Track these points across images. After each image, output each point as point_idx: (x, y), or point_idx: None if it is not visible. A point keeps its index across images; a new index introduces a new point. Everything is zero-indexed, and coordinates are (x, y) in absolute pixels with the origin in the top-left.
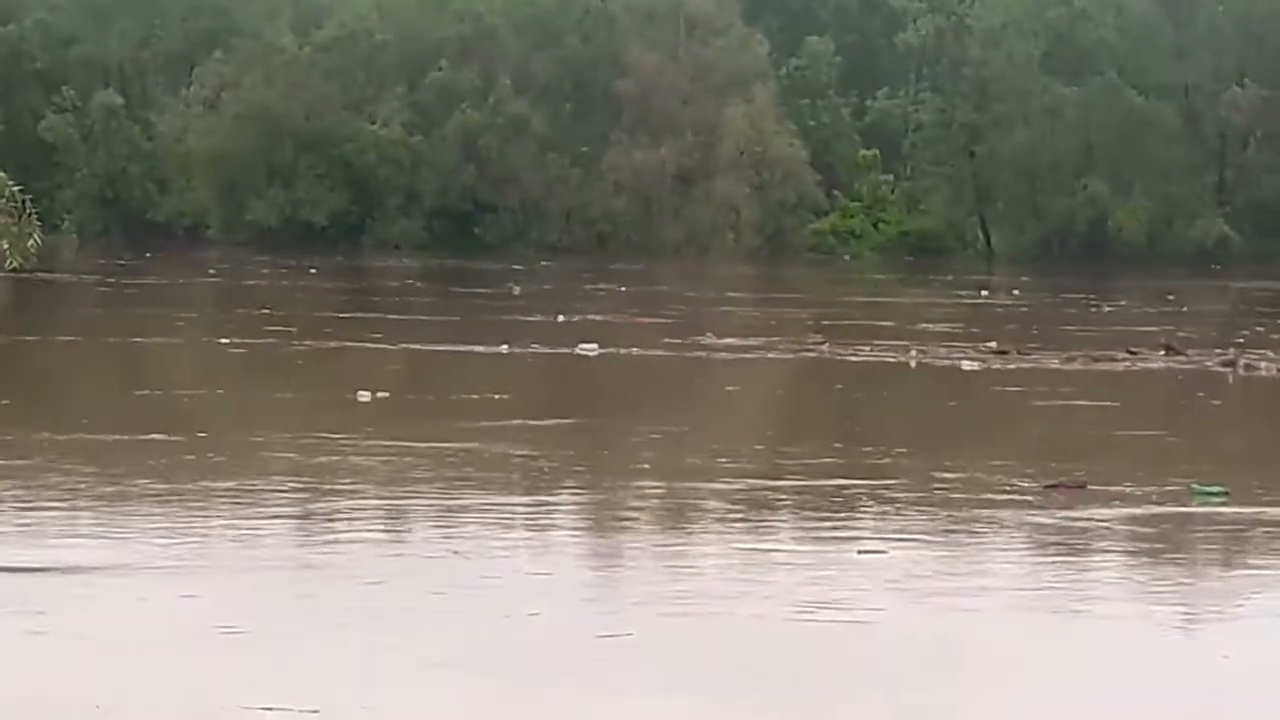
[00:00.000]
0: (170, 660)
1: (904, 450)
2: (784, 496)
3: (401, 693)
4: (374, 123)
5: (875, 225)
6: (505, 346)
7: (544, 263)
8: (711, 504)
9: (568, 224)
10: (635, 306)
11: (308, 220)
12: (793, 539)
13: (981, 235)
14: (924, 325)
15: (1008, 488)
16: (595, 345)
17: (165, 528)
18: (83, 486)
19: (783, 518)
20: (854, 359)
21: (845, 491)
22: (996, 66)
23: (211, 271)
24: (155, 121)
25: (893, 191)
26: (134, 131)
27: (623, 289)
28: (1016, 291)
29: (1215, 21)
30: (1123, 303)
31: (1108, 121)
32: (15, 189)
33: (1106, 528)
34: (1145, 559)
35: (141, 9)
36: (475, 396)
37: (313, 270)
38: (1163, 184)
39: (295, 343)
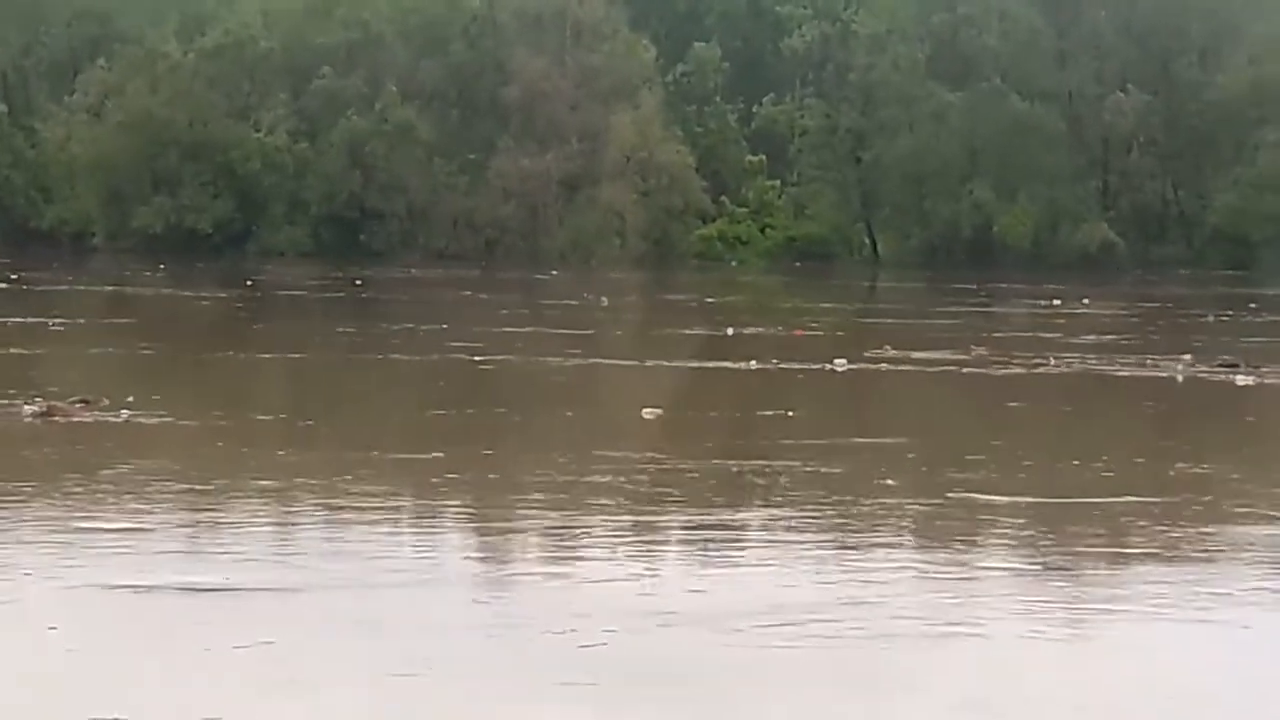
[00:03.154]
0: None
1: None
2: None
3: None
4: (259, 130)
5: (762, 231)
6: (754, 362)
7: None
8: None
9: (455, 230)
10: (746, 317)
11: (192, 228)
12: None
13: (868, 241)
14: (1087, 336)
15: None
16: (845, 360)
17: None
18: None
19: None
20: (1120, 373)
21: None
22: (881, 72)
23: (311, 283)
24: (39, 129)
25: (780, 197)
26: (17, 139)
27: (708, 300)
28: (1086, 300)
29: (1097, 27)
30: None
31: (992, 127)
32: None
33: None
34: None
35: (24, 15)
36: (769, 413)
37: (358, 282)
38: (1047, 189)
39: (540, 359)
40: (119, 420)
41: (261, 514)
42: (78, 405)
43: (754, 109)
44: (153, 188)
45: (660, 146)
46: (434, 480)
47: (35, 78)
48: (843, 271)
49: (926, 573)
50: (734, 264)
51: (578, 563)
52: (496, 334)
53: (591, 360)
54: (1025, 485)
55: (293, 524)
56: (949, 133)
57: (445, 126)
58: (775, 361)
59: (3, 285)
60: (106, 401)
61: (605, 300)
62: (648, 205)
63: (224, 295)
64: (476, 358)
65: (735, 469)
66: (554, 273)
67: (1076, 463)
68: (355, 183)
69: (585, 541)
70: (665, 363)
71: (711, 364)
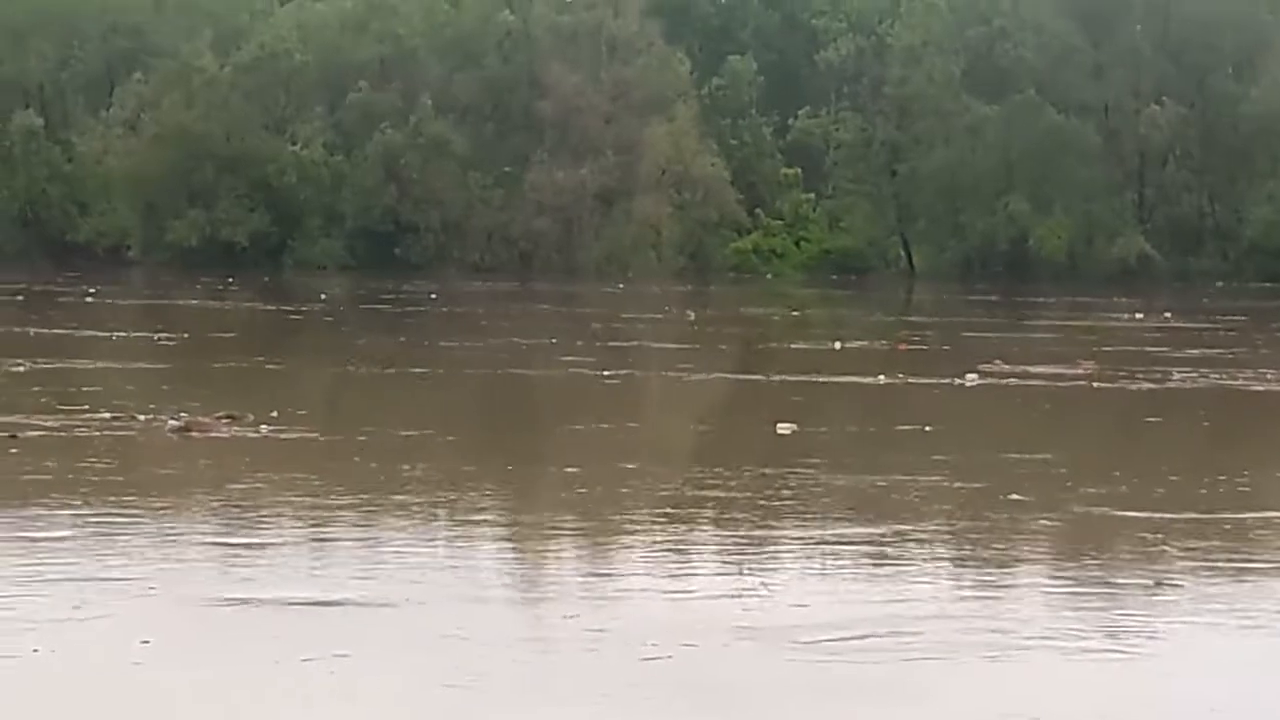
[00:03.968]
0: None
1: None
2: None
3: None
4: (295, 143)
5: (797, 244)
6: (882, 377)
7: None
8: None
9: (489, 244)
10: (843, 331)
11: (228, 241)
12: None
13: (903, 254)
14: (1191, 350)
15: None
16: (976, 375)
17: None
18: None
19: None
20: (1253, 387)
21: None
22: (917, 85)
23: (385, 296)
24: (75, 142)
25: (815, 210)
26: (54, 152)
27: (792, 313)
28: (1169, 314)
29: (1133, 41)
30: None
31: (1028, 140)
32: None
33: None
34: None
35: (60, 29)
36: (907, 427)
37: (433, 295)
38: (1083, 202)
39: (661, 373)
40: (257, 436)
41: (383, 529)
42: (224, 420)
43: (789, 122)
44: (188, 201)
45: (695, 160)
46: (564, 495)
47: (71, 92)
48: (879, 284)
49: (1039, 587)
50: (769, 277)
51: (685, 578)
52: (603, 349)
53: (715, 375)
54: (1162, 501)
55: (413, 539)
56: (985, 145)
57: (480, 140)
58: (902, 376)
59: (87, 299)
60: (251, 417)
61: (691, 314)
62: (683, 218)
63: (305, 309)
64: (604, 373)
65: (869, 484)
66: (620, 286)
67: (1223, 478)
68: (390, 196)
69: (698, 556)
70: (790, 377)
71: (839, 379)
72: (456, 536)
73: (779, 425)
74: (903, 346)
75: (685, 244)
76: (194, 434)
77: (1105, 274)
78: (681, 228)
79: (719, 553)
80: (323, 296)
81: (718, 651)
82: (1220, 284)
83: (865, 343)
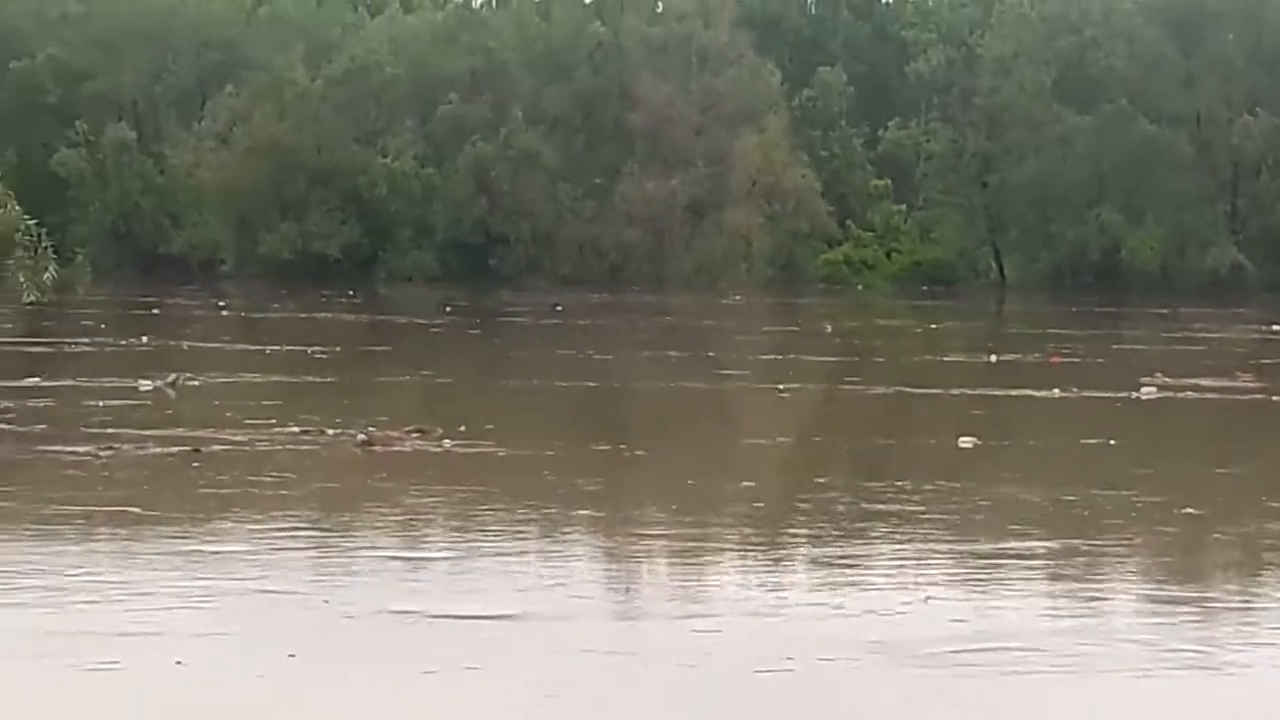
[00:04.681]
0: None
1: None
2: None
3: None
4: (385, 155)
5: (888, 255)
6: (1057, 390)
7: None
8: None
9: (580, 255)
10: (992, 343)
11: (320, 253)
12: None
13: (994, 264)
14: None
15: None
16: (1153, 388)
17: None
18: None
19: None
20: None
21: None
22: (1007, 95)
23: (511, 308)
24: (167, 155)
25: (905, 221)
26: (146, 165)
27: (931, 325)
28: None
29: (1225, 50)
30: None
31: (1120, 150)
32: (30, 223)
33: None
34: None
35: (153, 43)
36: (1092, 441)
37: (558, 307)
38: (1175, 212)
39: (836, 387)
40: (439, 450)
41: (553, 542)
42: (414, 435)
43: (879, 133)
44: (280, 214)
45: (786, 171)
46: (740, 509)
47: (164, 105)
48: (971, 295)
49: (1201, 603)
50: (860, 288)
51: (841, 592)
52: (762, 362)
53: (888, 389)
54: None
55: (579, 553)
56: (1076, 156)
57: (570, 152)
58: (1076, 389)
59: (222, 313)
60: (440, 431)
61: (828, 326)
62: (773, 229)
63: (440, 321)
64: (779, 386)
65: (1052, 498)
66: (737, 298)
67: None
68: (481, 208)
69: (861, 570)
70: (968, 390)
71: (1013, 392)
72: (622, 551)
73: (960, 439)
74: (1055, 359)
75: (776, 255)
76: (377, 448)
77: (1196, 284)
78: (772, 239)
79: (884, 566)
80: (447, 309)
81: (838, 666)
82: None
83: (1017, 355)
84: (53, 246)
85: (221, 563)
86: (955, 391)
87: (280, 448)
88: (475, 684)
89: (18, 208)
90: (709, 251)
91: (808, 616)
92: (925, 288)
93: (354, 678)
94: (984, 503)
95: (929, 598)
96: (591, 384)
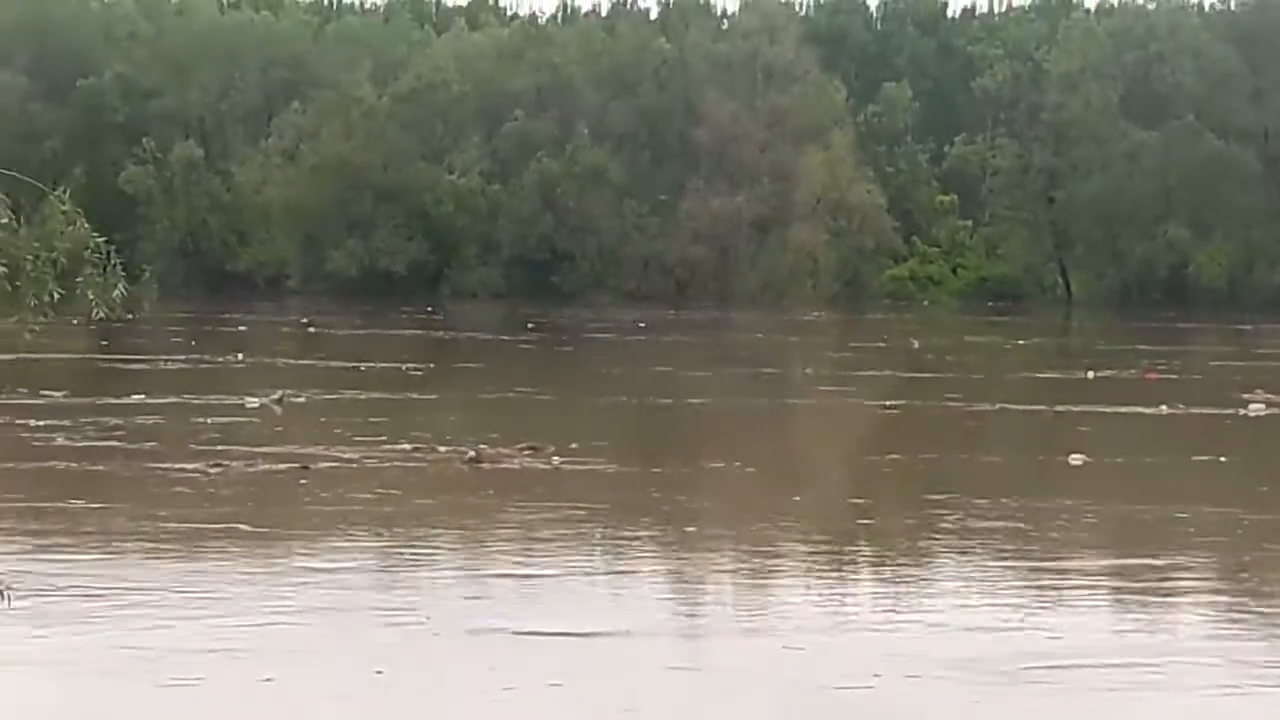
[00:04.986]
0: None
1: None
2: None
3: None
4: (452, 172)
5: (954, 271)
6: (1164, 407)
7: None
8: None
9: (645, 271)
10: (1086, 359)
11: (387, 270)
12: None
13: (1061, 281)
14: None
15: None
16: (1262, 405)
17: None
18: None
19: None
20: None
21: None
22: (1074, 111)
23: (592, 324)
24: (234, 173)
25: (971, 237)
26: (213, 183)
27: (1018, 341)
28: None
29: None
30: None
31: (1187, 166)
32: (99, 240)
33: None
34: None
35: (220, 61)
36: (1203, 458)
37: (641, 325)
38: (1243, 228)
39: (937, 404)
40: (547, 468)
41: (656, 561)
42: (526, 452)
43: (945, 149)
44: (347, 231)
45: (851, 187)
46: (846, 526)
47: (231, 122)
48: (1037, 311)
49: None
50: (926, 304)
51: (934, 609)
52: (859, 378)
53: (997, 405)
54: None
55: (679, 570)
56: (1143, 171)
57: (635, 168)
58: (1183, 406)
59: (310, 330)
60: (552, 449)
61: (915, 343)
62: (839, 246)
63: (527, 338)
64: (885, 403)
65: (1163, 516)
66: (816, 314)
67: None
68: (547, 224)
69: (968, 587)
70: (1071, 407)
71: (1120, 409)
72: (720, 568)
73: (1071, 456)
74: (1151, 375)
75: (841, 271)
76: (484, 465)
77: (1263, 300)
78: (838, 255)
79: (986, 584)
80: (530, 325)
81: (924, 683)
82: None
83: (1112, 371)
84: (122, 264)
85: (320, 579)
86: (1059, 408)
87: (388, 465)
88: (556, 699)
89: (86, 225)
90: (774, 268)
91: (902, 633)
92: (991, 304)
93: (436, 696)
94: (1092, 520)
95: (1026, 615)
96: (695, 400)
